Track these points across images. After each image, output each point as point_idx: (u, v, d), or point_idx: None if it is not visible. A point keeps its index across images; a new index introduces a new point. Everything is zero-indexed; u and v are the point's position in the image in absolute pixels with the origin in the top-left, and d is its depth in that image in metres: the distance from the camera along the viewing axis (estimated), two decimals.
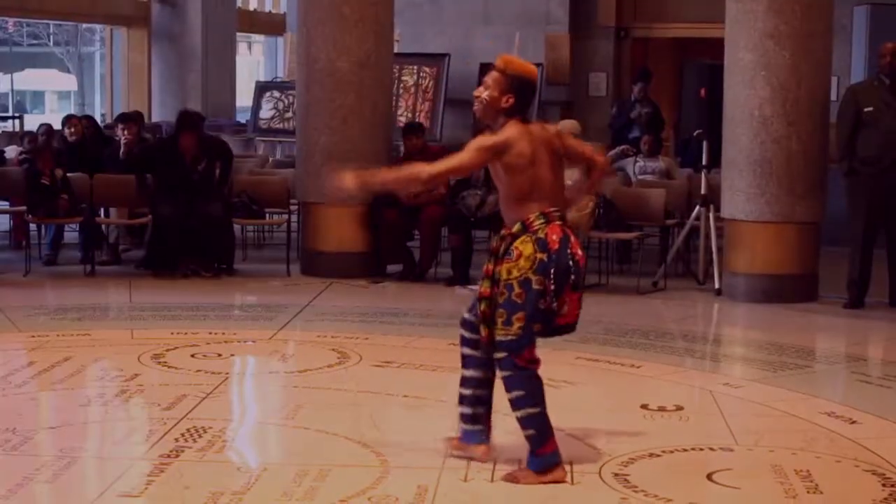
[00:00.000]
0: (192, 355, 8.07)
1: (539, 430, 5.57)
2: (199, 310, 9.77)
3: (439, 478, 5.56)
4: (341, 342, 8.54)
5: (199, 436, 6.19)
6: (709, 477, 5.73)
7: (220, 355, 8.19)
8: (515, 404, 5.58)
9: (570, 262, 5.52)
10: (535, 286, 5.48)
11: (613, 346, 8.66)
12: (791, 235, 10.37)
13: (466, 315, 5.81)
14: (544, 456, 5.58)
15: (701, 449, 6.21)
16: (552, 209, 5.57)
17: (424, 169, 5.65)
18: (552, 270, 5.48)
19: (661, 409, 6.92)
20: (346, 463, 5.83)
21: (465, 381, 5.86)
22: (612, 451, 6.02)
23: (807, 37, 10.26)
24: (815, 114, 10.34)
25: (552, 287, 5.49)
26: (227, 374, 7.80)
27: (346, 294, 10.68)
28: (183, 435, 6.19)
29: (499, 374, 5.65)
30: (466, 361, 5.84)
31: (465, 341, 5.82)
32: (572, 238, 5.59)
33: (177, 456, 5.86)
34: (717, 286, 10.76)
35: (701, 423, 6.77)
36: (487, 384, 5.83)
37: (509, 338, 5.53)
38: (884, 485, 5.63)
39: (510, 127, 5.58)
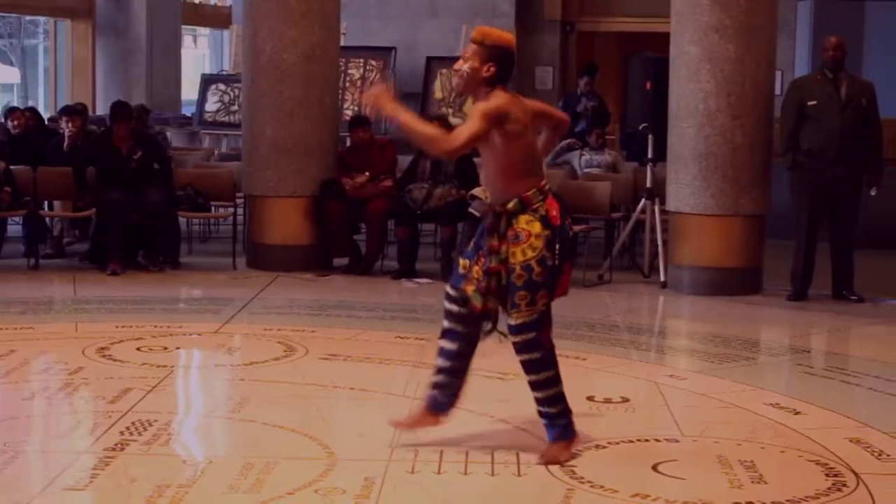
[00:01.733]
0: (138, 348, 8.03)
1: (565, 402, 5.78)
2: (144, 303, 9.72)
3: (386, 470, 5.56)
4: (287, 335, 8.52)
5: (145, 429, 6.16)
6: (654, 468, 5.75)
7: (165, 348, 8.15)
8: (546, 384, 5.72)
9: (570, 234, 5.67)
10: (549, 262, 5.57)
11: (559, 338, 8.55)
12: (736, 228, 10.43)
13: (451, 291, 5.80)
14: (567, 426, 5.77)
15: (646, 440, 6.24)
16: (545, 183, 5.66)
17: (444, 139, 5.56)
18: (556, 244, 5.57)
19: (607, 400, 6.94)
20: (292, 456, 5.82)
21: (442, 352, 5.88)
22: None
23: (751, 31, 10.31)
24: (759, 107, 10.41)
25: (556, 261, 5.58)
26: (173, 367, 7.75)
27: (293, 287, 10.65)
28: (128, 428, 6.16)
29: (524, 357, 5.69)
30: (447, 334, 5.85)
31: (449, 315, 5.82)
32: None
33: (122, 449, 5.83)
34: (662, 279, 10.81)
35: (646, 415, 6.80)
36: (465, 357, 5.87)
37: (534, 317, 5.61)
38: (827, 475, 5.68)
39: (499, 95, 5.60)
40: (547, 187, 5.67)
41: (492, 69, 5.60)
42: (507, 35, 5.76)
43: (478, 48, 5.64)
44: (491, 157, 5.65)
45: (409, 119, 5.58)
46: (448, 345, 5.86)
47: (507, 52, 5.66)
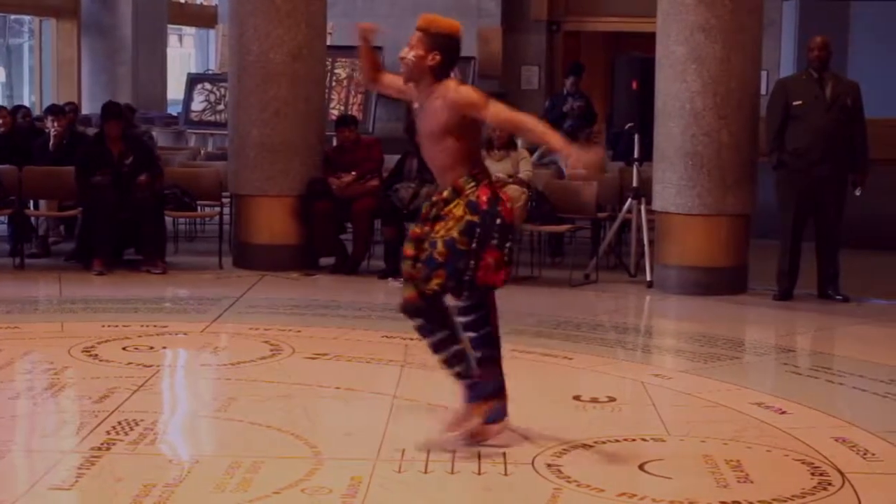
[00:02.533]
0: (124, 348, 8.01)
1: (467, 362, 5.80)
2: (130, 302, 9.70)
3: (373, 469, 5.56)
4: (274, 334, 8.51)
5: (131, 428, 6.15)
6: (641, 467, 5.76)
7: (151, 348, 8.13)
8: (436, 347, 5.80)
9: (498, 220, 5.61)
10: (458, 246, 5.59)
11: (546, 338, 8.69)
12: (721, 228, 10.44)
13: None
14: (483, 382, 5.82)
15: (633, 439, 6.24)
16: (479, 170, 5.69)
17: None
18: (478, 230, 5.59)
19: (594, 400, 6.95)
20: (279, 455, 5.81)
21: (432, 347, 5.90)
22: (545, 442, 6.04)
23: (737, 30, 10.33)
24: (745, 107, 10.42)
25: (474, 246, 5.59)
26: (159, 366, 7.74)
27: (279, 287, 10.64)
28: (114, 428, 6.15)
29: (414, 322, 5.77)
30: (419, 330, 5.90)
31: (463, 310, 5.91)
32: (501, 194, 5.70)
33: (108, 449, 5.82)
34: (648, 278, 10.82)
35: (633, 414, 6.81)
36: (452, 339, 5.86)
37: (427, 293, 5.65)
38: (812, 473, 5.69)
39: (454, 84, 5.68)
40: (482, 174, 5.69)
41: (437, 57, 5.66)
42: (453, 23, 5.80)
43: (422, 36, 5.71)
44: (447, 143, 5.67)
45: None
46: (431, 338, 5.87)
47: (453, 41, 5.72)
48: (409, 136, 9.90)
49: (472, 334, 5.80)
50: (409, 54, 5.70)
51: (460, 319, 5.78)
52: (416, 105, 5.86)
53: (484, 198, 5.60)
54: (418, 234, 5.71)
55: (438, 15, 5.85)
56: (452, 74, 5.76)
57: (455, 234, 5.58)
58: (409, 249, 5.72)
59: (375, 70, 6.08)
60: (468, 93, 5.69)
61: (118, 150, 11.28)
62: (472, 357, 5.80)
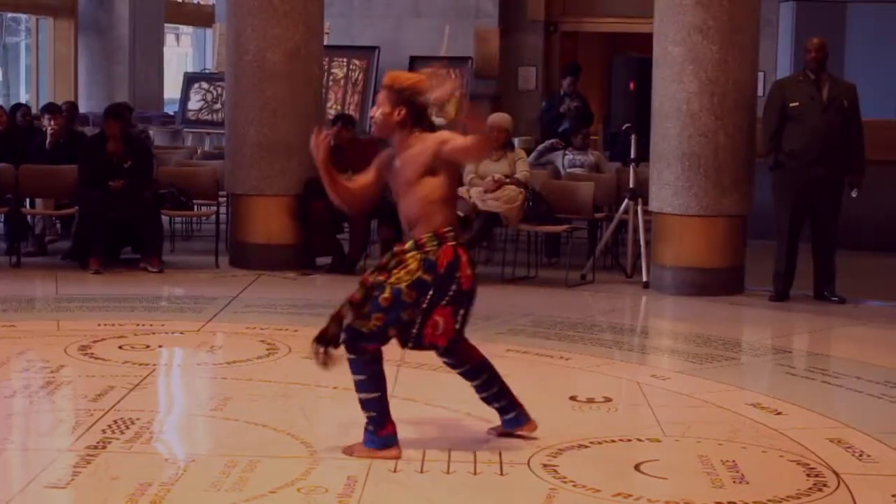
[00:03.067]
0: (120, 347, 8.01)
1: (379, 412, 5.75)
2: (126, 301, 9.70)
3: (369, 468, 5.56)
4: (270, 334, 8.51)
5: (127, 427, 6.15)
6: (637, 467, 5.77)
7: (147, 347, 8.14)
8: (357, 387, 5.76)
9: (454, 286, 5.64)
10: (403, 298, 5.60)
11: (542, 338, 8.69)
12: (718, 229, 10.45)
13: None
14: (386, 437, 5.75)
15: (629, 440, 6.25)
16: (447, 229, 5.67)
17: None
18: (429, 292, 5.61)
19: (590, 400, 6.96)
20: (275, 454, 5.82)
21: (477, 389, 6.05)
22: (541, 441, 6.04)
23: (734, 31, 10.33)
24: (742, 108, 10.43)
25: (423, 305, 5.61)
26: (155, 365, 7.75)
27: (275, 286, 10.64)
28: (110, 426, 6.15)
29: (346, 354, 5.75)
30: (464, 376, 6.04)
31: (446, 364, 6.04)
32: (463, 258, 5.67)
33: (104, 447, 5.82)
34: (644, 279, 10.82)
35: (629, 415, 6.82)
36: (492, 380, 6.03)
37: (362, 330, 5.65)
38: (808, 474, 5.70)
39: (428, 135, 5.72)
40: (449, 233, 5.68)
41: (402, 112, 5.72)
42: (417, 77, 5.85)
43: (387, 92, 5.77)
44: (426, 190, 5.70)
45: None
46: (474, 382, 6.05)
47: (417, 94, 5.74)
48: None
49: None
50: (377, 112, 5.79)
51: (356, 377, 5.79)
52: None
53: (444, 261, 5.63)
54: (370, 283, 5.70)
55: (400, 72, 5.97)
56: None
57: (403, 286, 5.61)
58: (357, 294, 5.72)
59: (347, 189, 6.11)
60: (441, 133, 5.77)
61: (118, 151, 11.27)
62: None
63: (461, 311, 5.73)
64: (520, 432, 6.06)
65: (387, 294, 5.61)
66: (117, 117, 11.46)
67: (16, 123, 13.57)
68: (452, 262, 5.63)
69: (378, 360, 5.76)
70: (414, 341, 5.74)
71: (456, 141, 5.68)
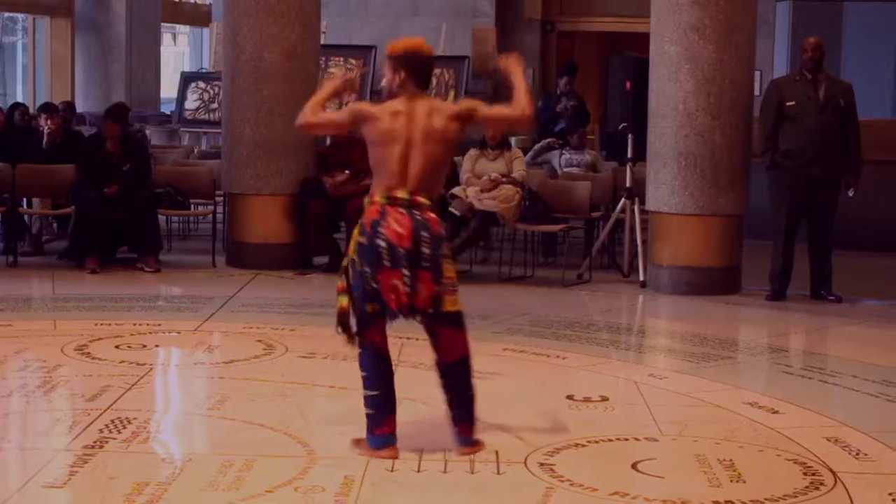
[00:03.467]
0: (117, 346, 8.01)
1: (377, 410, 5.76)
2: (123, 301, 9.70)
3: (366, 468, 5.56)
4: (267, 333, 8.51)
5: (124, 427, 6.15)
6: (634, 466, 5.77)
7: (144, 346, 8.13)
8: (363, 383, 5.80)
9: (382, 243, 5.60)
10: (358, 267, 5.66)
11: (539, 337, 8.70)
12: (715, 228, 10.45)
13: None
14: (381, 436, 5.75)
15: (626, 439, 6.25)
16: (379, 192, 5.70)
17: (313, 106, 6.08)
18: (366, 253, 5.63)
19: (587, 399, 6.96)
20: (272, 453, 5.82)
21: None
22: (538, 440, 6.04)
23: (731, 31, 10.34)
24: (738, 107, 10.43)
25: (367, 270, 5.62)
26: (152, 365, 7.75)
27: (272, 285, 10.64)
28: (107, 426, 6.15)
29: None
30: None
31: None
32: (390, 216, 5.63)
33: (101, 447, 5.82)
34: (641, 278, 10.83)
35: (626, 414, 6.82)
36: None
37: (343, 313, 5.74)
38: (805, 473, 5.70)
39: (388, 102, 5.83)
40: (378, 196, 5.69)
41: (402, 75, 5.80)
42: (414, 40, 5.95)
43: (388, 61, 5.89)
44: (432, 154, 5.73)
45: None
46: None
47: (415, 56, 5.85)
48: None
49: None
50: (383, 82, 5.89)
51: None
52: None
53: (366, 218, 5.68)
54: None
55: (409, 37, 6.04)
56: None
57: (354, 255, 5.69)
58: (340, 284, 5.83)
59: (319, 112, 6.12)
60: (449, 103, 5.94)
61: (117, 152, 11.27)
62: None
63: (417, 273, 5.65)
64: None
65: (350, 271, 5.71)
66: (117, 119, 11.46)
67: (13, 123, 13.56)
68: (375, 221, 5.63)
69: (381, 358, 5.78)
70: (408, 311, 5.71)
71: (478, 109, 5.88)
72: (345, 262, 5.78)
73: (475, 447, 5.85)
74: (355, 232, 5.71)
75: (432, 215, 5.73)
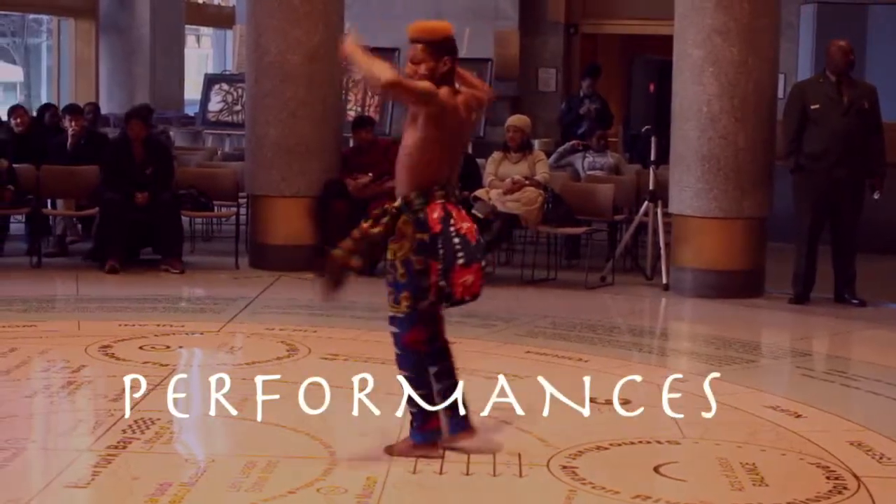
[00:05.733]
0: (140, 347, 8.04)
1: (420, 409, 5.72)
2: (146, 302, 9.73)
3: (388, 469, 5.57)
4: (290, 335, 8.53)
5: (147, 427, 6.17)
6: (656, 469, 5.76)
7: (168, 347, 8.16)
8: (408, 382, 5.72)
9: (457, 239, 5.51)
10: (415, 266, 5.54)
11: (562, 339, 8.69)
12: (738, 231, 10.43)
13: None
14: (428, 432, 5.73)
15: (648, 442, 6.25)
16: (436, 187, 5.56)
17: (385, 75, 5.48)
18: (440, 250, 5.49)
19: (609, 402, 6.95)
20: (294, 454, 5.83)
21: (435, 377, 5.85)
22: (560, 443, 6.04)
23: (755, 33, 10.32)
24: (762, 110, 10.41)
25: (439, 266, 5.50)
26: (175, 366, 7.77)
27: (295, 287, 10.64)
28: (130, 426, 6.17)
29: (394, 349, 5.74)
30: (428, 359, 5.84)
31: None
32: (454, 213, 5.56)
33: (124, 447, 5.84)
34: (664, 281, 10.81)
35: (648, 417, 6.80)
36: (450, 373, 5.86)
37: (399, 315, 5.63)
38: (828, 477, 5.69)
39: (444, 92, 5.57)
40: (438, 191, 5.56)
41: (447, 63, 5.60)
42: (445, 24, 5.77)
43: (426, 47, 5.62)
44: (407, 136, 5.61)
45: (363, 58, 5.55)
46: (434, 368, 5.85)
47: (454, 41, 5.70)
48: None
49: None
50: (421, 69, 5.58)
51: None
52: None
53: (434, 215, 5.53)
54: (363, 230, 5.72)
55: (427, 21, 5.87)
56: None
57: (410, 254, 5.55)
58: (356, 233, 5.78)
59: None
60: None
61: (141, 155, 11.30)
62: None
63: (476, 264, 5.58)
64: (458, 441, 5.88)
65: (400, 270, 5.58)
66: (141, 119, 11.51)
67: (43, 124, 13.65)
68: (444, 217, 5.53)
69: (425, 359, 5.71)
70: (448, 300, 5.60)
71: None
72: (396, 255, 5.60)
73: (473, 432, 5.86)
74: (409, 230, 5.54)
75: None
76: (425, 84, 5.52)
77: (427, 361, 5.77)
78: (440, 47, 5.59)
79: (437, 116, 5.52)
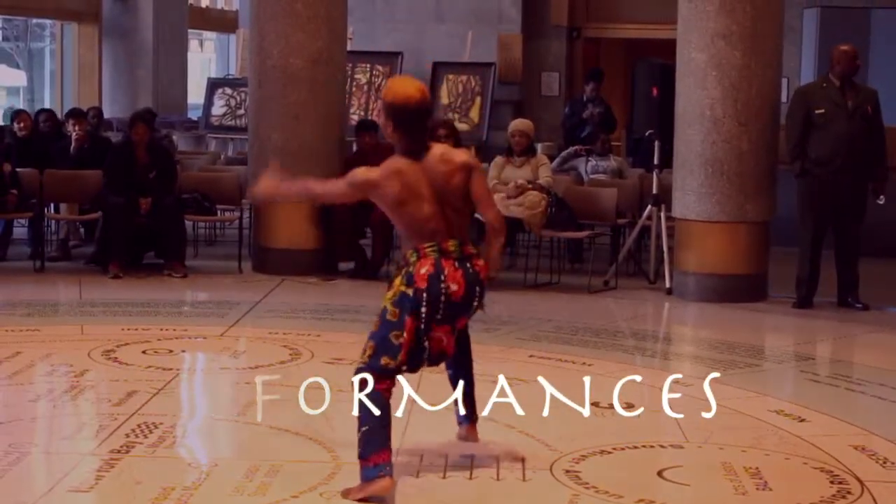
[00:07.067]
0: (143, 351, 8.04)
1: (370, 442, 5.30)
2: (150, 306, 9.72)
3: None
4: (293, 339, 8.53)
5: (150, 431, 6.17)
6: (659, 474, 5.76)
7: (171, 351, 8.16)
8: (360, 420, 5.35)
9: (442, 297, 5.37)
10: (388, 316, 5.38)
11: (565, 343, 8.69)
12: (741, 235, 10.43)
13: None
14: (377, 466, 5.27)
15: (651, 446, 6.25)
16: (427, 245, 5.40)
17: (312, 187, 5.77)
18: (420, 306, 5.35)
19: (612, 406, 6.95)
20: (297, 459, 5.83)
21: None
22: (563, 447, 6.04)
23: (758, 37, 10.31)
24: (765, 114, 10.41)
25: (419, 323, 5.35)
26: (179, 370, 7.77)
27: (298, 291, 10.65)
28: (133, 431, 6.17)
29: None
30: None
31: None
32: (446, 271, 5.39)
33: (127, 451, 5.84)
34: (667, 285, 10.81)
35: (651, 421, 6.80)
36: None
37: (361, 364, 5.38)
38: (832, 482, 5.68)
39: (387, 162, 5.47)
40: (429, 248, 5.39)
41: (389, 127, 5.48)
42: (403, 88, 5.51)
43: (382, 102, 5.55)
44: (458, 202, 5.52)
45: (276, 188, 5.71)
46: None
47: (401, 108, 5.44)
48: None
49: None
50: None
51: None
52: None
53: (422, 271, 5.36)
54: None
55: (398, 78, 5.84)
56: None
57: (388, 303, 5.41)
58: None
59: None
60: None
61: (144, 160, 11.30)
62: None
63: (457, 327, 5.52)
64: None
65: (376, 319, 5.46)
66: (146, 123, 11.52)
67: (39, 129, 13.63)
68: (433, 274, 5.36)
69: (386, 405, 5.36)
70: (429, 361, 5.49)
71: None
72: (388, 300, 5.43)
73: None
74: (397, 281, 5.42)
75: (481, 262, 5.52)
76: (333, 185, 5.64)
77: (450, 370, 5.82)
78: (386, 109, 5.47)
79: (380, 193, 5.43)
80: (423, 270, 5.37)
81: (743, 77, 10.29)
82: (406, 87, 5.50)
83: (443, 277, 5.37)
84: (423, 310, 5.34)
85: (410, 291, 5.37)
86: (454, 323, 5.50)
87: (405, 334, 5.34)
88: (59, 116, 14.50)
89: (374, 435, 5.29)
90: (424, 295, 5.35)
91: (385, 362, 5.35)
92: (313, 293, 10.63)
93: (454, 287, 5.39)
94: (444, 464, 5.72)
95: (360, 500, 5.23)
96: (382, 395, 5.34)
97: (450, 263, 5.41)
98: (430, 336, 5.40)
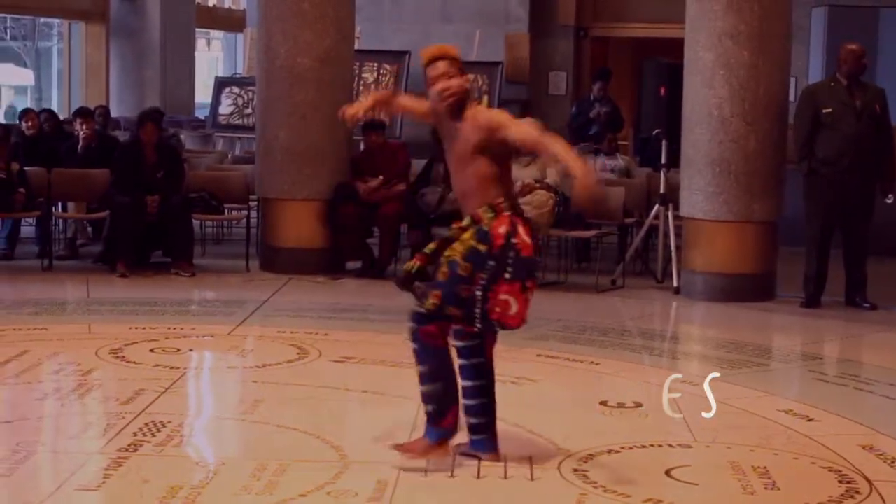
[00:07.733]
0: (151, 350, 8.04)
1: (438, 405, 5.64)
2: (157, 305, 9.73)
3: (399, 473, 5.56)
4: (300, 338, 8.52)
5: (158, 430, 6.17)
6: (667, 473, 5.75)
7: (178, 350, 8.16)
8: (421, 379, 5.64)
9: (512, 253, 5.48)
10: (459, 271, 5.48)
11: (572, 343, 8.69)
12: (749, 234, 10.42)
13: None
14: (442, 429, 5.64)
15: (659, 445, 6.24)
16: (503, 200, 5.55)
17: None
18: (489, 263, 5.46)
19: (620, 405, 6.94)
20: (304, 458, 5.82)
21: (466, 392, 5.77)
22: (571, 447, 6.03)
23: (766, 37, 10.30)
24: (773, 113, 10.39)
25: (483, 279, 5.46)
26: (186, 369, 7.77)
27: (306, 290, 10.66)
28: (141, 429, 6.17)
29: (410, 344, 5.67)
30: (462, 371, 5.76)
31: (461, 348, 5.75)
32: (520, 227, 5.53)
33: (135, 450, 5.84)
34: (675, 284, 10.80)
35: (659, 420, 6.79)
36: (487, 392, 5.79)
37: (421, 311, 5.55)
38: (840, 481, 5.67)
39: (484, 107, 5.70)
40: (503, 204, 5.54)
41: (469, 79, 5.70)
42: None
43: (452, 62, 5.69)
44: (479, 167, 5.57)
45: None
46: (467, 383, 5.76)
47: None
48: (436, 140, 9.90)
49: (467, 383, 5.70)
50: (455, 83, 5.61)
51: (459, 362, 5.69)
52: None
53: (500, 230, 5.48)
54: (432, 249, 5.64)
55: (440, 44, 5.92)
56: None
57: (458, 257, 5.49)
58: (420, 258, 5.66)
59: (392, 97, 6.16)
60: (496, 113, 5.70)
61: (152, 159, 11.31)
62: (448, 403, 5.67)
63: (528, 286, 5.55)
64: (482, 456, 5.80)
65: (444, 268, 5.53)
66: (154, 122, 11.53)
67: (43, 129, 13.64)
68: (509, 230, 5.49)
69: (441, 354, 5.62)
70: (480, 321, 5.54)
71: (519, 130, 5.58)
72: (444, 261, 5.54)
73: (495, 455, 5.83)
74: (466, 235, 5.52)
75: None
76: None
77: (463, 374, 5.73)
78: (460, 65, 5.71)
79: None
80: (501, 229, 5.49)
81: (751, 76, 10.27)
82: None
83: (516, 233, 5.50)
84: (488, 263, 5.46)
85: (483, 248, 5.47)
86: (524, 281, 5.52)
87: (473, 289, 5.47)
88: (66, 115, 14.52)
89: (446, 395, 5.63)
90: (498, 252, 5.45)
91: (451, 312, 5.52)
92: (321, 292, 10.63)
93: (528, 240, 5.52)
94: (452, 463, 5.71)
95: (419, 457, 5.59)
96: (431, 349, 5.57)
97: (521, 220, 5.57)
98: (495, 292, 5.47)
